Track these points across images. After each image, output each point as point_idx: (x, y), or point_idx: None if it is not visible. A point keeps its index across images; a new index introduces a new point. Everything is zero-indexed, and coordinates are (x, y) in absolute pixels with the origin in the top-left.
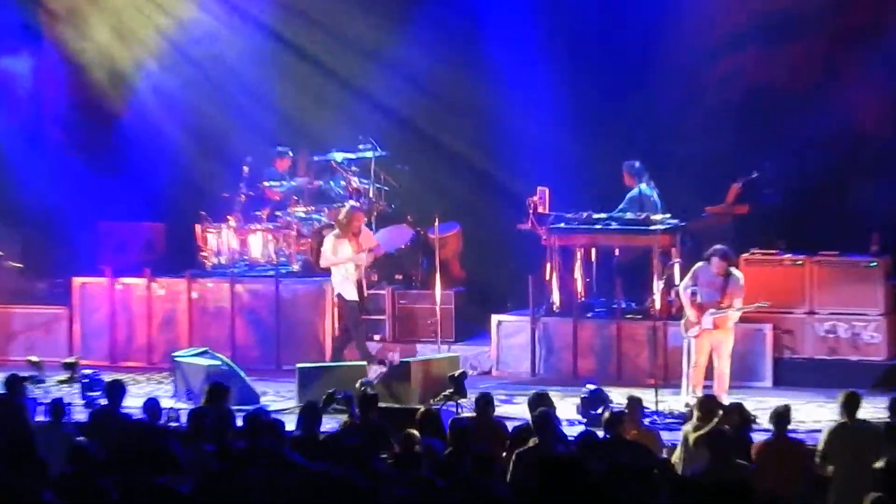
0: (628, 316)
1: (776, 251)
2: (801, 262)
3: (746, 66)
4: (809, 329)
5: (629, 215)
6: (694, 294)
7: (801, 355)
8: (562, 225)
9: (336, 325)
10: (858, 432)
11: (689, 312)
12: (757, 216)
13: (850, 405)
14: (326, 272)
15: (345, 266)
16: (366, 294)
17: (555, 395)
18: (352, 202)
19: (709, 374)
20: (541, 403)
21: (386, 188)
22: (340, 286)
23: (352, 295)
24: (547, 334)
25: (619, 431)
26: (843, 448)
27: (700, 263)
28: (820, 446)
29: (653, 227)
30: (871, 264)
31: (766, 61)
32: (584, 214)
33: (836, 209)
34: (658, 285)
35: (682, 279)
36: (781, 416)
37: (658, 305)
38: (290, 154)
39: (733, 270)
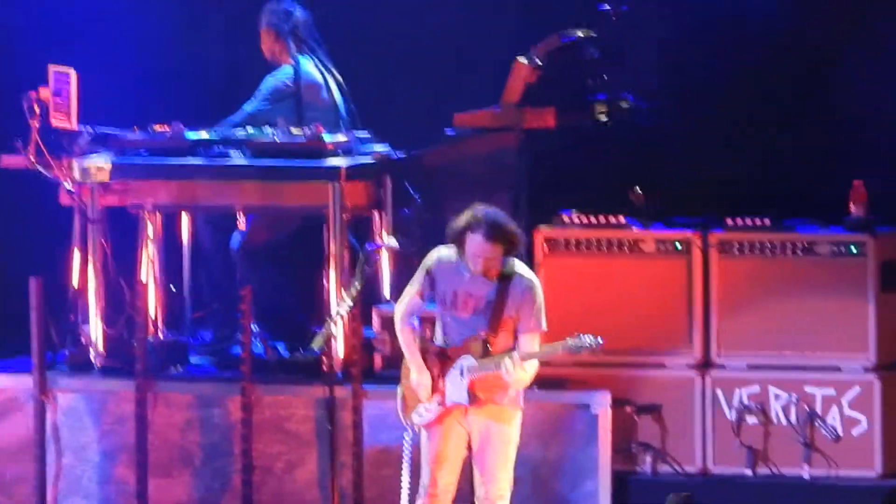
0: (272, 375)
1: (623, 218)
2: (683, 244)
3: None
4: (703, 403)
5: (270, 132)
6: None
7: (684, 468)
8: (111, 160)
9: None
10: None
11: (416, 371)
12: (581, 134)
13: None
14: None
15: None
16: None
17: None
18: None
19: None
20: None
21: None
22: None
23: None
24: (73, 420)
25: None
26: None
27: (440, 253)
28: None
29: (329, 163)
30: (851, 250)
31: None
32: (167, 131)
33: (773, 124)
34: (336, 300)
35: (399, 291)
36: None
37: (339, 351)
38: None
39: (518, 266)
